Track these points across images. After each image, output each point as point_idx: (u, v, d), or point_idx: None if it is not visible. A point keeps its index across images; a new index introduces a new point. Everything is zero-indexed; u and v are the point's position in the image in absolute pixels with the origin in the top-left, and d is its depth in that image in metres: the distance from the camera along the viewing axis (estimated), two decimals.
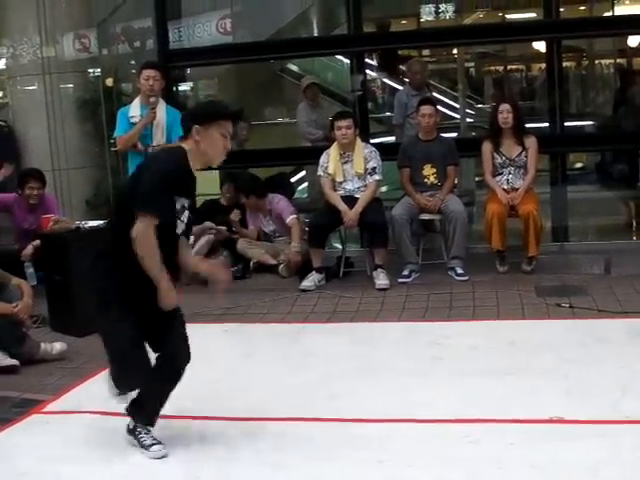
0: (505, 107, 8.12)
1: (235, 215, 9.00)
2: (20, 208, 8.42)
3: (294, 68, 13.67)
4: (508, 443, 4.40)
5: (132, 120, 7.99)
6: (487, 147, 8.24)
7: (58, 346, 6.55)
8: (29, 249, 8.07)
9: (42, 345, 6.49)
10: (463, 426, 4.68)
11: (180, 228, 4.45)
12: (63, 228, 7.52)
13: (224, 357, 6.19)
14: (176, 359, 4.54)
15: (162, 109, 8.00)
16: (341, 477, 4.19)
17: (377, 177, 8.23)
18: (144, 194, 4.24)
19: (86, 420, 5.13)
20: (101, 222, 7.76)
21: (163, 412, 4.67)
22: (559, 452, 4.25)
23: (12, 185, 8.89)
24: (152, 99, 7.86)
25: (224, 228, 8.99)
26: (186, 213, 4.45)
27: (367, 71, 10.56)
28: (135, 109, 8.05)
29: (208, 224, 8.90)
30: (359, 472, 4.21)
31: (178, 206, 4.37)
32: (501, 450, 4.32)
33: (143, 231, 4.20)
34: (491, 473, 4.09)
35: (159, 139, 8.02)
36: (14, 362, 6.26)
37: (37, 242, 7.93)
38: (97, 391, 5.63)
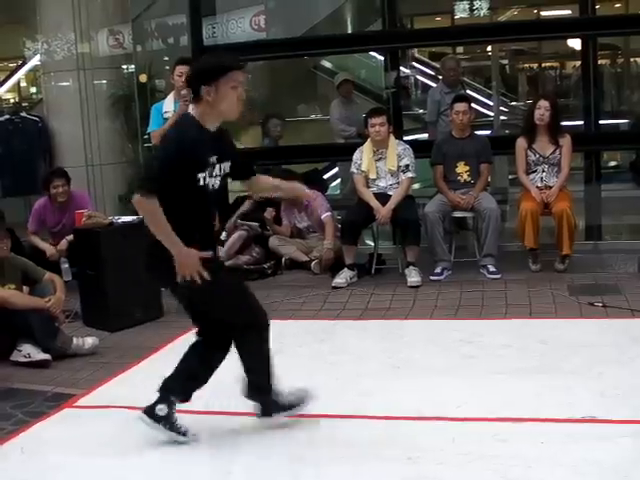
0: (544, 104, 8.05)
1: (269, 213, 9.00)
2: (50, 210, 8.43)
3: (328, 65, 13.67)
4: (539, 442, 4.37)
5: (166, 115, 8.04)
6: (521, 144, 8.19)
7: (90, 341, 6.59)
8: (63, 244, 8.13)
9: (74, 340, 6.54)
10: (494, 425, 4.65)
11: (213, 183, 4.45)
12: (96, 223, 7.55)
13: None
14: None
15: None
16: (372, 474, 4.18)
17: (410, 174, 8.22)
18: (142, 176, 4.60)
19: (118, 415, 5.14)
20: (134, 218, 7.80)
21: (194, 408, 4.70)
22: (590, 452, 4.21)
23: None
24: (184, 92, 7.89)
25: (256, 224, 8.99)
26: (218, 167, 4.46)
27: (401, 68, 10.54)
28: (169, 104, 8.10)
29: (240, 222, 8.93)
30: (389, 469, 4.20)
31: (203, 168, 4.37)
32: (532, 449, 4.29)
33: (143, 206, 4.30)
34: (521, 472, 4.06)
35: None
36: (47, 356, 6.31)
37: (71, 237, 7.98)
38: (129, 386, 5.70)
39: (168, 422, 4.60)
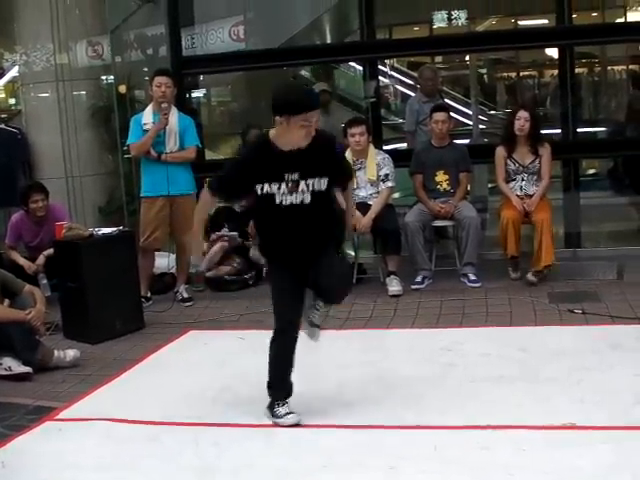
0: (523, 114, 8.08)
1: (251, 228, 8.94)
2: (27, 225, 8.40)
3: (307, 75, 13.68)
4: (520, 449, 4.39)
5: (145, 127, 8.05)
6: (501, 152, 8.22)
7: (71, 353, 6.57)
8: (41, 259, 8.09)
9: (55, 352, 6.51)
10: (475, 432, 4.67)
11: (294, 199, 4.78)
12: (76, 235, 7.52)
13: (239, 364, 6.19)
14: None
15: (174, 116, 8.07)
16: None
17: (390, 184, 8.24)
18: (216, 175, 5.10)
19: (99, 427, 5.14)
20: (114, 229, 7.80)
21: (177, 419, 4.71)
22: (571, 459, 4.24)
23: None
24: (164, 105, 7.92)
25: (236, 234, 8.98)
26: (302, 184, 4.77)
27: (380, 77, 10.56)
28: (148, 116, 8.11)
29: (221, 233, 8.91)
30: (372, 478, 4.21)
31: (268, 187, 4.76)
32: (513, 456, 4.32)
33: (201, 198, 5.21)
34: (503, 479, 4.08)
35: (172, 146, 8.09)
36: (27, 369, 6.29)
37: (48, 252, 7.95)
38: (110, 398, 5.69)
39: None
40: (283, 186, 4.74)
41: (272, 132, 4.83)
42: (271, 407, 5.04)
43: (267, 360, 5.07)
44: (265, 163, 4.75)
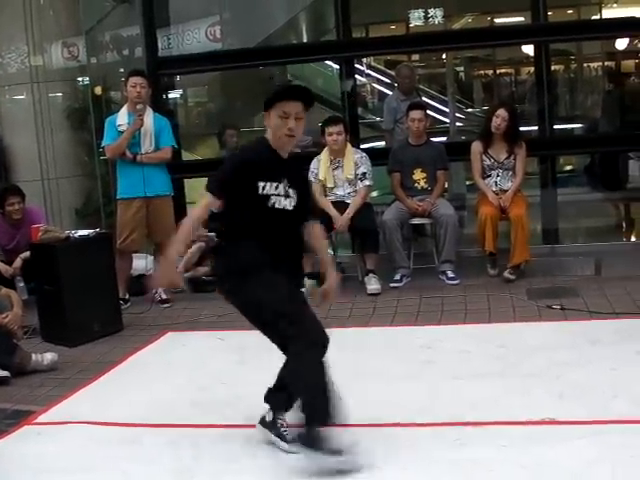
0: (502, 113, 8.10)
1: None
2: (3, 228, 8.32)
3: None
4: (500, 445, 4.39)
5: (120, 128, 8.02)
6: (476, 148, 8.25)
7: (49, 357, 6.53)
8: (18, 262, 8.03)
9: (33, 356, 6.47)
10: (455, 429, 4.67)
11: (287, 203, 4.58)
12: (53, 238, 7.49)
13: (218, 365, 6.18)
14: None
15: (149, 116, 8.05)
16: None
17: (367, 182, 8.24)
18: (212, 177, 4.66)
19: (78, 430, 5.10)
20: (91, 231, 7.76)
21: (157, 421, 4.69)
22: (551, 453, 4.25)
23: None
24: (139, 106, 7.90)
25: (213, 234, 8.93)
26: (291, 191, 4.59)
27: (357, 76, 10.56)
28: (122, 117, 8.09)
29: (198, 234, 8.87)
30: (352, 477, 4.19)
31: (269, 187, 4.51)
32: (493, 452, 4.32)
33: (200, 203, 4.63)
34: (483, 475, 4.09)
35: (147, 147, 8.07)
36: (5, 373, 6.24)
37: (25, 255, 7.90)
38: (89, 401, 5.66)
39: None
40: (280, 187, 4.57)
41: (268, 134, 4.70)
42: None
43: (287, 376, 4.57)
44: (266, 161, 4.58)
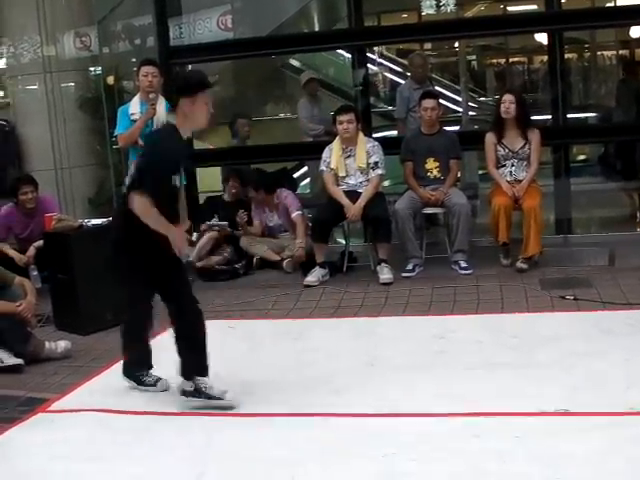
0: (508, 97, 8.08)
1: (241, 217, 8.89)
2: (17, 217, 8.37)
3: (295, 63, 13.66)
4: (513, 436, 4.39)
5: (132, 117, 8.01)
6: (490, 139, 8.21)
7: (63, 344, 6.55)
8: (31, 251, 8.06)
9: (47, 344, 6.49)
10: (468, 420, 4.67)
11: (177, 181, 5.16)
12: (66, 227, 7.51)
13: (229, 353, 6.18)
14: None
15: (162, 105, 8.01)
16: (346, 471, 4.18)
17: (380, 171, 8.22)
18: (141, 179, 5.02)
19: (91, 418, 5.13)
20: (104, 220, 7.76)
21: (169, 409, 4.71)
22: (564, 445, 4.24)
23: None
24: (151, 95, 7.88)
25: (226, 223, 8.95)
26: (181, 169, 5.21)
27: (369, 65, 10.54)
28: (135, 106, 8.07)
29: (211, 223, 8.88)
30: (363, 466, 4.20)
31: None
32: (506, 443, 4.31)
33: (141, 205, 4.96)
34: (496, 466, 4.08)
35: None
36: (19, 361, 6.26)
37: (39, 243, 7.92)
38: (102, 389, 5.67)
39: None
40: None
41: (174, 120, 5.15)
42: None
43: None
44: (178, 155, 5.18)
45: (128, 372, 5.60)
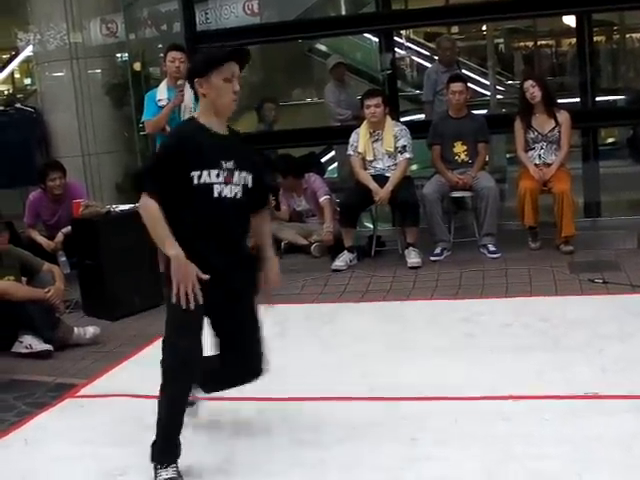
0: (529, 83, 8.05)
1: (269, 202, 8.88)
2: (45, 203, 8.43)
3: (322, 48, 13.60)
4: (542, 419, 4.37)
5: (160, 103, 8.00)
6: (518, 125, 8.16)
7: (91, 330, 6.59)
8: (59, 237, 8.12)
9: (75, 329, 6.53)
10: (497, 403, 4.65)
11: (228, 192, 4.08)
12: (94, 213, 7.54)
13: None
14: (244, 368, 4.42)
15: (189, 91, 7.98)
16: (375, 455, 4.17)
17: (407, 155, 8.19)
18: (141, 174, 4.32)
19: (120, 403, 5.15)
20: (131, 206, 7.78)
21: (198, 394, 4.71)
22: (594, 428, 4.21)
23: None
24: (179, 82, 7.86)
25: None
26: (237, 174, 4.11)
27: (396, 49, 10.50)
28: (162, 92, 8.06)
29: None
30: (392, 450, 4.19)
31: (207, 173, 4.02)
32: (535, 426, 4.29)
33: (142, 206, 3.94)
34: (524, 449, 4.05)
35: None
36: (48, 347, 6.32)
37: (67, 230, 7.97)
38: (130, 374, 5.70)
39: None
40: (221, 175, 4.06)
41: (196, 113, 4.33)
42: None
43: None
44: (193, 148, 4.03)
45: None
